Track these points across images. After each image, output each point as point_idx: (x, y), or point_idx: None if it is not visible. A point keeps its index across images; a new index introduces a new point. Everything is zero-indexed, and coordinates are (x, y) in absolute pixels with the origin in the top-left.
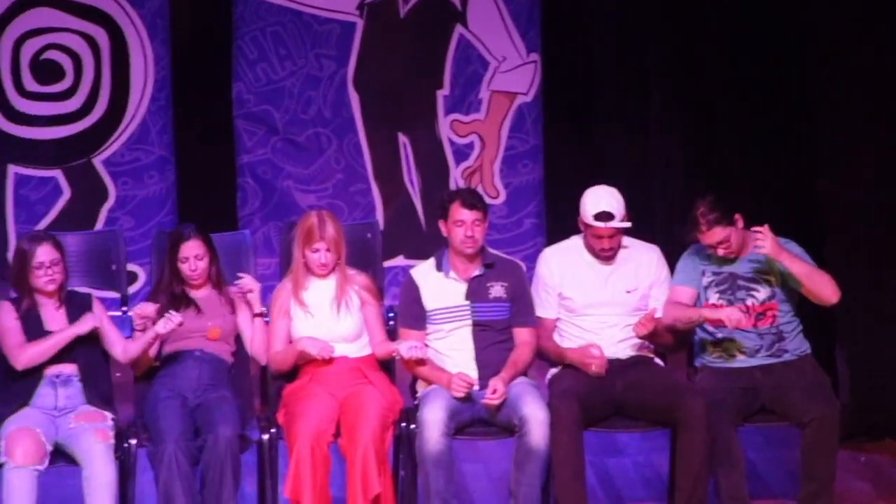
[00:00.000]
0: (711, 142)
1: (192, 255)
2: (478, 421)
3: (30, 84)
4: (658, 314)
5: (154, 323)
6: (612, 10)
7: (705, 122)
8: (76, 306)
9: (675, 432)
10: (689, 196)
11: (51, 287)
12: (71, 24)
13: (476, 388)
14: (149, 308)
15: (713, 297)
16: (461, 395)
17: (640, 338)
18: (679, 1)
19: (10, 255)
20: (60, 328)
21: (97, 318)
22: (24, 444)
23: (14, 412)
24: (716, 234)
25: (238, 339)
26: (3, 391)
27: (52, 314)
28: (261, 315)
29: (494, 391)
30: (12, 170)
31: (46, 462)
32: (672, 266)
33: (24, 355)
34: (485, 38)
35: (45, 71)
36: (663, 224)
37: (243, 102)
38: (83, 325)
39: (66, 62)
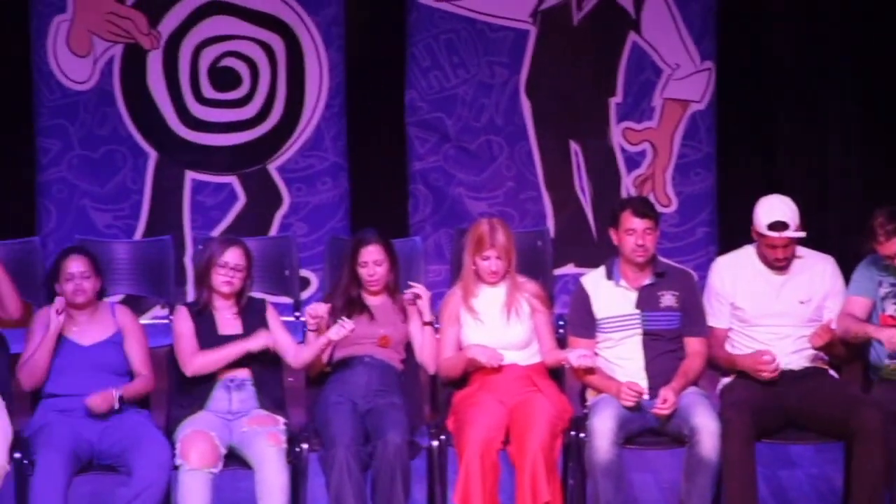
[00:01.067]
0: (892, 151)
1: (372, 260)
2: (647, 430)
3: (207, 91)
4: (833, 325)
5: (326, 324)
6: (790, 17)
7: (886, 131)
8: (251, 312)
9: (849, 445)
10: (867, 206)
11: (226, 289)
12: (248, 32)
13: (646, 397)
14: (321, 308)
15: (890, 309)
16: (630, 404)
17: (815, 349)
18: (862, 8)
19: (188, 259)
20: (233, 333)
21: (270, 339)
22: (199, 447)
23: (189, 416)
24: (894, 245)
25: (408, 346)
26: (178, 395)
27: (226, 318)
28: (430, 323)
29: (665, 401)
30: (189, 176)
31: (221, 465)
32: (847, 277)
33: (194, 363)
34: (658, 45)
35: (223, 78)
36: (839, 234)
37: (416, 110)
38: (255, 343)
39: (243, 69)
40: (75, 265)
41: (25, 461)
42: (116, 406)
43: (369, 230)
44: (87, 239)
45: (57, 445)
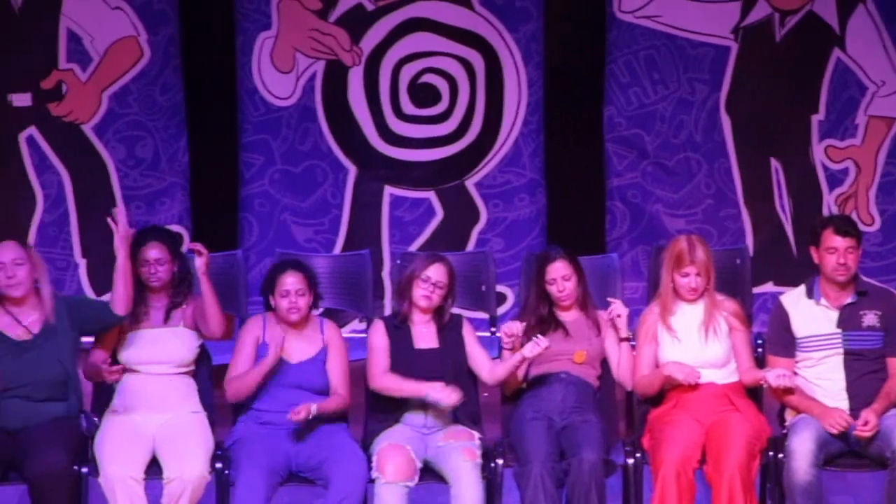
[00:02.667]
0: None
1: (560, 277)
2: (848, 452)
3: (407, 107)
4: None
5: (521, 342)
6: None
7: None
8: (448, 327)
9: None
10: None
11: (424, 303)
12: (448, 49)
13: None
14: (516, 326)
15: None
16: (836, 432)
17: None
18: None
19: (386, 273)
20: (430, 347)
21: (455, 398)
22: (395, 461)
23: (386, 429)
24: None
25: (604, 362)
26: (375, 408)
27: (423, 333)
28: (627, 340)
29: (866, 423)
30: (388, 191)
31: (416, 479)
32: None
33: (378, 383)
34: (863, 61)
35: (422, 94)
36: None
37: (614, 126)
38: (438, 394)
39: (443, 86)
40: (292, 282)
41: (226, 471)
42: (310, 417)
43: (554, 247)
44: (287, 253)
45: (257, 460)
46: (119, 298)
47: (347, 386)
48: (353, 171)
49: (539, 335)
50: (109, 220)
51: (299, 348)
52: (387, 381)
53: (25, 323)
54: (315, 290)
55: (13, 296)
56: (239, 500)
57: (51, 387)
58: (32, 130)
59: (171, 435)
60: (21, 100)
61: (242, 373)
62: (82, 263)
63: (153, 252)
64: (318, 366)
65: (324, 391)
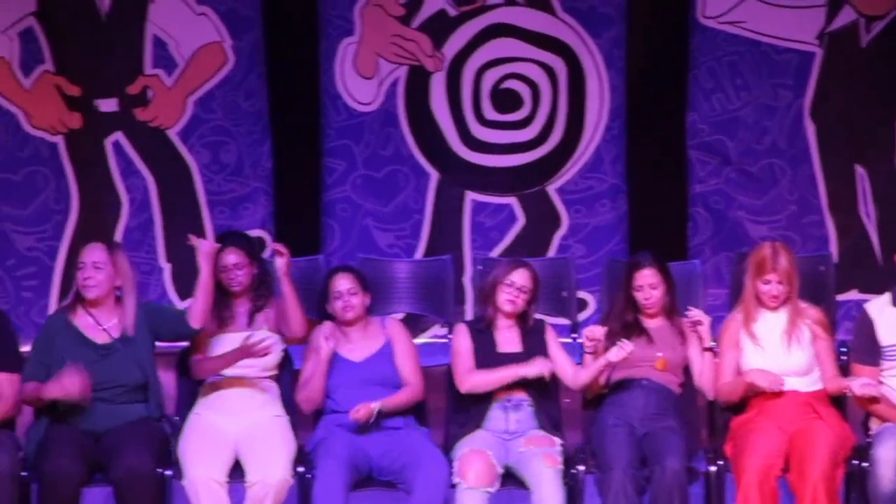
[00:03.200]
0: None
1: (647, 284)
2: None
3: (489, 113)
4: None
5: (603, 346)
6: None
7: None
8: (531, 332)
9: None
10: None
11: (508, 308)
12: (531, 55)
13: None
14: (598, 331)
15: None
16: None
17: None
18: None
19: (467, 279)
20: (513, 352)
21: (548, 367)
22: (477, 466)
23: (467, 434)
24: None
25: (686, 370)
26: (456, 414)
27: (506, 337)
28: (709, 349)
29: None
30: (470, 196)
31: (497, 484)
32: None
33: (469, 381)
34: None
35: (504, 100)
36: None
37: (697, 132)
38: (531, 369)
39: (525, 91)
40: (342, 283)
41: (308, 475)
42: (373, 419)
43: (644, 254)
44: (369, 258)
45: (336, 455)
46: (197, 311)
47: (419, 376)
48: (434, 176)
49: (624, 340)
50: (192, 237)
51: (361, 347)
52: (476, 378)
53: (105, 327)
54: (369, 292)
55: (87, 297)
56: (318, 493)
57: (130, 390)
58: (118, 135)
59: (254, 438)
60: (108, 105)
61: (306, 378)
62: (166, 268)
63: (231, 257)
64: (383, 359)
65: (395, 383)
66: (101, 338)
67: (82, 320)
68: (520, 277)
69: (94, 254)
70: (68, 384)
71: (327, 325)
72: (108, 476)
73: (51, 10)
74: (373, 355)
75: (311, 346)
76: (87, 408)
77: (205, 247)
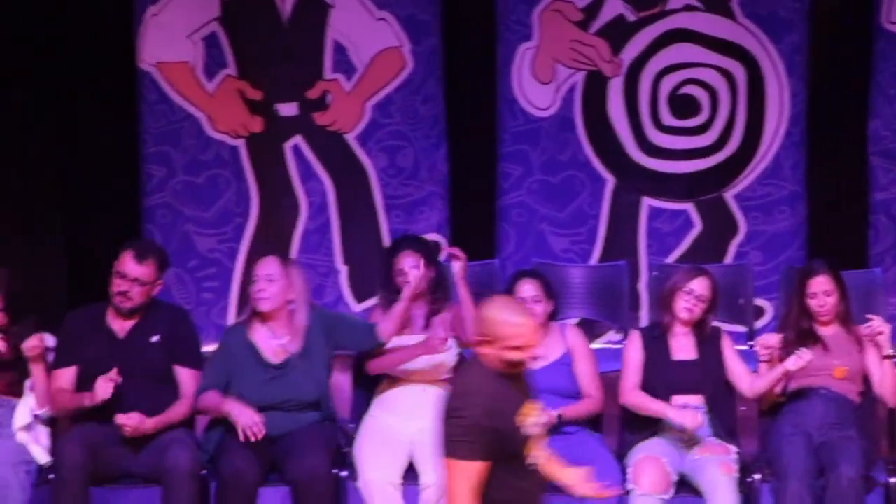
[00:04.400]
0: None
1: (821, 291)
2: None
3: (667, 118)
4: None
5: (778, 355)
6: None
7: None
8: (706, 338)
9: None
10: None
11: (685, 315)
12: (710, 60)
13: None
14: (772, 339)
15: None
16: None
17: None
18: None
19: (642, 285)
20: (687, 359)
21: (700, 419)
22: (651, 473)
23: (642, 441)
24: None
25: (866, 379)
26: (631, 419)
27: (682, 345)
28: (890, 357)
29: None
30: (646, 202)
31: (672, 491)
32: None
33: (628, 398)
34: None
35: (683, 105)
36: None
37: (880, 139)
38: (682, 419)
39: (703, 97)
40: (527, 289)
41: None
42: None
43: (817, 261)
44: (544, 262)
45: None
46: (388, 329)
47: (599, 388)
48: (611, 181)
49: (802, 349)
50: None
51: (542, 354)
52: (635, 398)
53: (280, 342)
54: (553, 299)
55: (259, 309)
56: None
57: (306, 405)
58: (298, 139)
59: (429, 442)
60: (287, 109)
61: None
62: (343, 270)
63: (408, 261)
64: (561, 369)
65: (571, 394)
66: (276, 356)
67: (259, 335)
68: (699, 286)
69: (268, 267)
70: (248, 418)
71: None
72: (285, 477)
73: (234, 16)
74: (551, 364)
75: None
76: (266, 413)
77: (412, 283)
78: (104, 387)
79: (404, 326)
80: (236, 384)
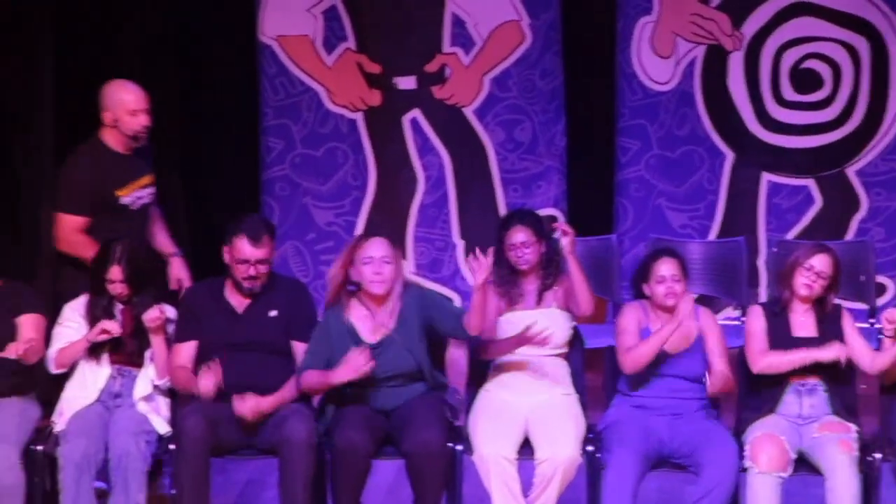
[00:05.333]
0: None
1: None
2: None
3: (788, 93)
4: None
5: None
6: None
7: None
8: (826, 316)
9: None
10: None
11: (805, 292)
12: (832, 34)
13: None
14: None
15: None
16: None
17: None
18: None
19: (761, 261)
20: (807, 336)
21: (844, 352)
22: (769, 451)
23: (759, 418)
24: None
25: None
26: (748, 397)
27: (801, 322)
28: None
29: None
30: (765, 178)
31: (790, 470)
32: None
33: (762, 362)
34: None
35: (804, 80)
36: None
37: None
38: (827, 353)
39: (825, 71)
40: (667, 269)
41: (598, 454)
42: None
43: None
44: (662, 238)
45: (630, 444)
46: (473, 325)
47: (729, 369)
48: (730, 156)
49: None
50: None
51: (676, 334)
52: (770, 358)
53: (378, 321)
54: (687, 278)
55: (375, 292)
56: (610, 482)
57: (407, 376)
58: (416, 113)
59: (544, 416)
60: (406, 83)
61: (641, 342)
62: (460, 244)
63: (519, 235)
64: (695, 354)
65: (698, 377)
66: (373, 335)
67: (355, 314)
68: (820, 262)
69: (383, 248)
70: (353, 362)
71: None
72: (400, 450)
73: None
74: (686, 350)
75: (628, 319)
76: (373, 390)
77: (479, 276)
78: (207, 384)
79: (515, 301)
80: (335, 364)
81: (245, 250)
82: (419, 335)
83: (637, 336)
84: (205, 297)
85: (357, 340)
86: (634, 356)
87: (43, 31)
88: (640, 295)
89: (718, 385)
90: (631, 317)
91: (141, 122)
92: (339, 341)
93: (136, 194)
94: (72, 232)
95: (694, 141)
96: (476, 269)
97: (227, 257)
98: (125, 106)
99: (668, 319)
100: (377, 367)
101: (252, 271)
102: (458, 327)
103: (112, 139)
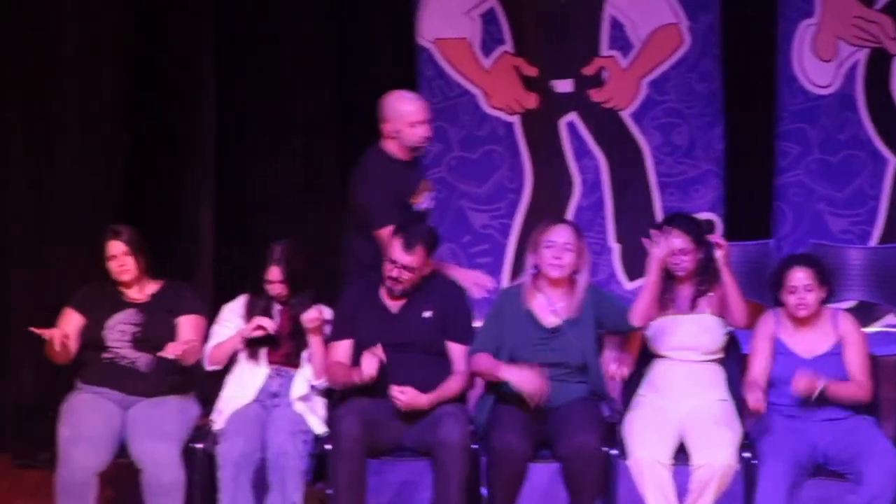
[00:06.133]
0: None
1: None
2: None
3: None
4: None
5: None
6: None
7: None
8: None
9: None
10: None
11: None
12: None
13: None
14: None
15: None
16: None
17: None
18: None
19: None
20: None
21: None
22: None
23: None
24: None
25: None
26: None
27: None
28: None
29: None
30: None
31: None
32: None
33: None
34: None
35: None
36: None
37: None
38: None
39: None
40: (800, 278)
41: (753, 461)
42: (814, 397)
43: None
44: (820, 243)
45: (782, 456)
46: (639, 311)
47: (868, 376)
48: (892, 161)
49: None
50: (646, 241)
51: (811, 341)
52: None
53: (556, 307)
54: (828, 286)
55: (552, 275)
56: (762, 494)
57: (572, 371)
58: (573, 116)
59: (699, 422)
60: (563, 86)
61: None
62: (616, 248)
63: (677, 241)
64: (834, 359)
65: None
66: (549, 320)
67: (534, 299)
68: None
69: (565, 234)
70: (527, 380)
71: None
72: (555, 452)
73: None
74: (823, 355)
75: (758, 335)
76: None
77: (657, 251)
78: (370, 363)
79: (668, 306)
80: (508, 347)
81: (396, 252)
82: (591, 330)
83: (765, 352)
84: (360, 296)
85: (534, 323)
86: None
87: (205, 36)
88: (778, 303)
89: (850, 392)
90: (762, 330)
91: (421, 133)
92: (514, 324)
93: (423, 199)
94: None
95: (855, 145)
96: (659, 242)
97: (383, 251)
98: (405, 118)
99: (798, 330)
100: (547, 355)
101: (395, 273)
102: (623, 321)
103: (394, 148)
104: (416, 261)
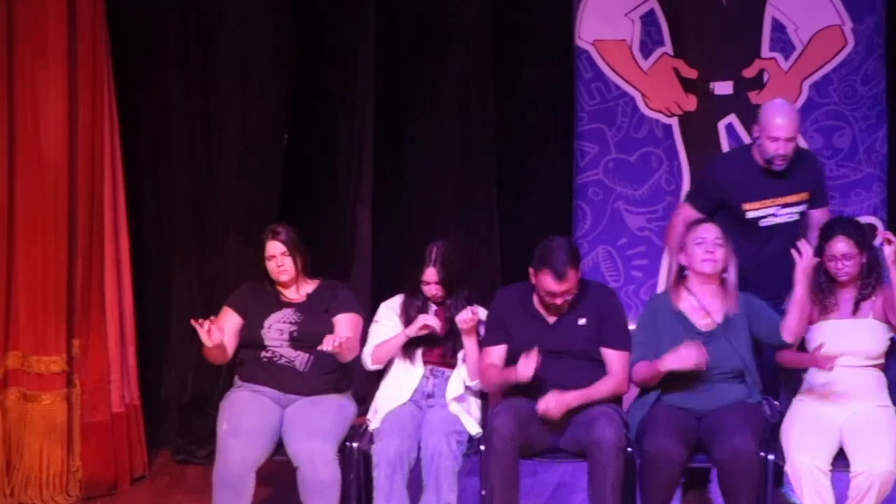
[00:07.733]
0: None
1: None
2: None
3: None
4: None
5: None
6: None
7: None
8: None
9: None
10: None
11: None
12: None
13: None
14: None
15: None
16: None
17: None
18: None
19: None
20: None
21: None
22: None
23: None
24: None
25: None
26: None
27: None
28: None
29: None
30: None
31: None
32: None
33: None
34: None
35: None
36: None
37: None
38: None
39: None
40: (840, 247)
41: None
42: None
43: None
44: None
45: None
46: (790, 327)
47: None
48: None
49: None
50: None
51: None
52: None
53: (709, 310)
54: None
55: (705, 271)
56: None
57: (729, 374)
58: (732, 118)
59: (860, 428)
60: (722, 88)
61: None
62: None
63: (840, 245)
64: None
65: None
66: (703, 323)
67: (686, 302)
68: None
69: (714, 231)
70: (685, 353)
71: None
72: (711, 457)
73: None
74: None
75: None
76: (691, 387)
77: (805, 261)
78: (526, 365)
79: (829, 310)
80: (664, 352)
81: (549, 286)
82: (745, 333)
83: None
84: (513, 303)
85: (688, 327)
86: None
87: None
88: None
89: None
90: None
91: (775, 148)
92: (668, 327)
93: (765, 211)
94: (680, 222)
95: None
96: (805, 253)
97: (532, 279)
98: (768, 131)
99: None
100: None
101: (559, 301)
102: (775, 335)
103: (756, 152)
104: (571, 284)
